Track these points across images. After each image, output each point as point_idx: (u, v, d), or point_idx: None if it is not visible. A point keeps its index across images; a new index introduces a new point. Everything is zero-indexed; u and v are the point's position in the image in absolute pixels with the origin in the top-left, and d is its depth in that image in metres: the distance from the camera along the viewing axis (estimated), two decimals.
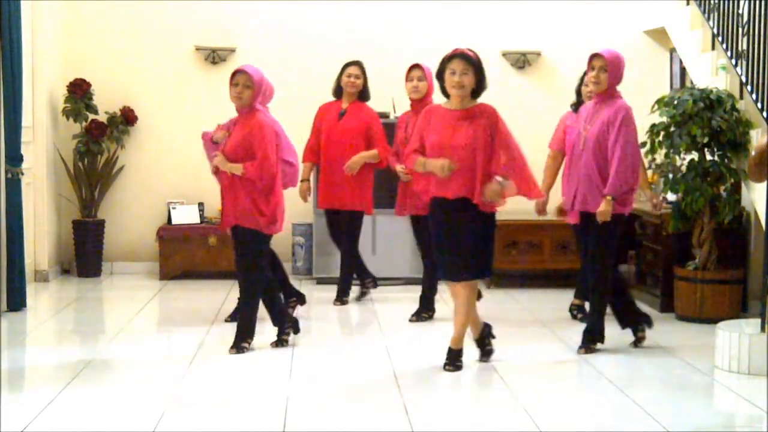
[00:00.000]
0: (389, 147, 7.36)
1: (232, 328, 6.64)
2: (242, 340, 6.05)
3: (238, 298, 6.53)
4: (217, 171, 6.04)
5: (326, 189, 7.58)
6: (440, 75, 5.67)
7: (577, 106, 7.03)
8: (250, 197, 5.92)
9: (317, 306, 7.64)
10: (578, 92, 6.98)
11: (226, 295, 7.84)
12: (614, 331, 6.41)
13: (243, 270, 6.05)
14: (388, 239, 8.48)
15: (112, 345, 6.34)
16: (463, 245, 5.61)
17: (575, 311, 7.17)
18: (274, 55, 8.80)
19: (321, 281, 8.51)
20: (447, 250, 5.64)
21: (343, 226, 7.62)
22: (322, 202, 7.66)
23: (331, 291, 7.99)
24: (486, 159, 5.58)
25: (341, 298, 7.68)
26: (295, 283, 8.51)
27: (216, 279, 8.47)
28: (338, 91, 7.63)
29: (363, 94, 7.62)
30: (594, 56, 6.11)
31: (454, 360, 5.75)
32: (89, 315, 7.53)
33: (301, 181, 7.36)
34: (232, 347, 6.01)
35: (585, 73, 6.97)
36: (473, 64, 5.60)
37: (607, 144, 6.00)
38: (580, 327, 6.76)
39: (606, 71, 6.06)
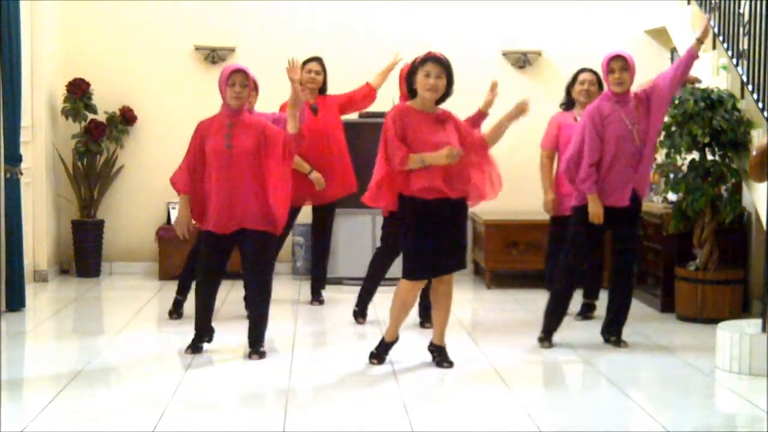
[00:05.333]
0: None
1: (231, 328, 6.64)
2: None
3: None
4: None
5: (308, 185, 7.48)
6: (410, 76, 5.66)
7: (567, 105, 7.09)
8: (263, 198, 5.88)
9: (316, 306, 7.64)
10: (568, 91, 7.11)
11: (226, 295, 7.82)
12: None
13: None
14: None
15: (111, 345, 6.33)
16: (461, 242, 5.73)
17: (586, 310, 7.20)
18: (274, 54, 8.77)
19: None
20: (447, 249, 5.63)
21: (325, 220, 7.69)
22: (299, 198, 7.43)
23: (332, 291, 8.00)
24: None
25: (319, 298, 7.74)
26: (295, 283, 8.54)
27: None
28: None
29: (323, 90, 7.67)
30: (614, 58, 6.18)
31: (447, 356, 5.86)
32: (88, 315, 7.51)
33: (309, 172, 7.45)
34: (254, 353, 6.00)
35: (579, 73, 7.04)
36: (447, 69, 5.60)
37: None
38: (580, 327, 6.76)
39: (627, 71, 6.17)
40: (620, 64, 6.16)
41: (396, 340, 5.91)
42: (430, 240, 5.59)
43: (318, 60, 7.65)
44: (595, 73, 7.03)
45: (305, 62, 7.62)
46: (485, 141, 5.74)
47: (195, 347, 6.03)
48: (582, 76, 7.04)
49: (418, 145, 5.53)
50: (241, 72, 5.87)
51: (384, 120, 5.66)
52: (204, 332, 6.07)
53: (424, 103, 5.62)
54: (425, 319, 6.73)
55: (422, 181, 5.54)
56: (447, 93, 5.63)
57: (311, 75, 7.55)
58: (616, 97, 6.19)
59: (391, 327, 5.87)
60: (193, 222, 6.04)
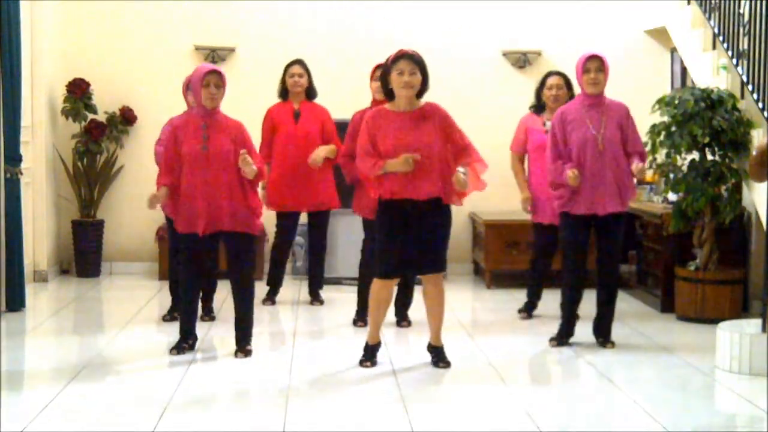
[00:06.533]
0: (341, 143, 7.24)
1: (231, 328, 6.64)
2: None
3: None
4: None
5: (288, 191, 7.50)
6: (385, 77, 5.65)
7: (537, 108, 7.10)
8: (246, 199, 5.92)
9: (315, 306, 7.64)
10: (538, 95, 7.14)
11: (226, 295, 7.80)
12: (616, 332, 6.40)
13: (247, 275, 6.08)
14: None
15: (111, 345, 6.33)
16: (433, 243, 5.67)
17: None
18: (274, 54, 8.78)
19: None
20: (416, 249, 5.63)
21: (317, 225, 7.64)
22: (282, 204, 7.55)
23: (331, 291, 8.00)
24: (442, 157, 5.61)
25: (318, 298, 7.74)
26: (295, 283, 8.54)
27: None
28: (284, 93, 7.61)
29: (309, 92, 7.61)
30: (590, 58, 6.17)
31: (444, 356, 5.86)
32: (88, 315, 7.51)
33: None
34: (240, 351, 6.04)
35: (547, 77, 7.06)
36: (419, 65, 5.59)
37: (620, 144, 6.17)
38: (580, 327, 6.75)
39: (603, 72, 6.16)
40: (596, 65, 6.16)
41: (379, 343, 5.90)
42: (398, 239, 5.61)
43: (299, 62, 7.60)
44: (562, 75, 7.08)
45: (287, 66, 7.61)
46: (469, 148, 5.70)
47: (180, 348, 6.05)
48: (550, 81, 7.08)
49: (387, 147, 5.56)
50: (215, 73, 5.89)
51: (356, 119, 5.79)
52: (189, 333, 6.11)
53: (401, 102, 5.63)
54: (400, 317, 6.89)
55: (386, 183, 5.58)
56: (424, 88, 5.63)
57: (294, 79, 7.52)
58: (589, 99, 6.20)
59: (371, 328, 5.89)
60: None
